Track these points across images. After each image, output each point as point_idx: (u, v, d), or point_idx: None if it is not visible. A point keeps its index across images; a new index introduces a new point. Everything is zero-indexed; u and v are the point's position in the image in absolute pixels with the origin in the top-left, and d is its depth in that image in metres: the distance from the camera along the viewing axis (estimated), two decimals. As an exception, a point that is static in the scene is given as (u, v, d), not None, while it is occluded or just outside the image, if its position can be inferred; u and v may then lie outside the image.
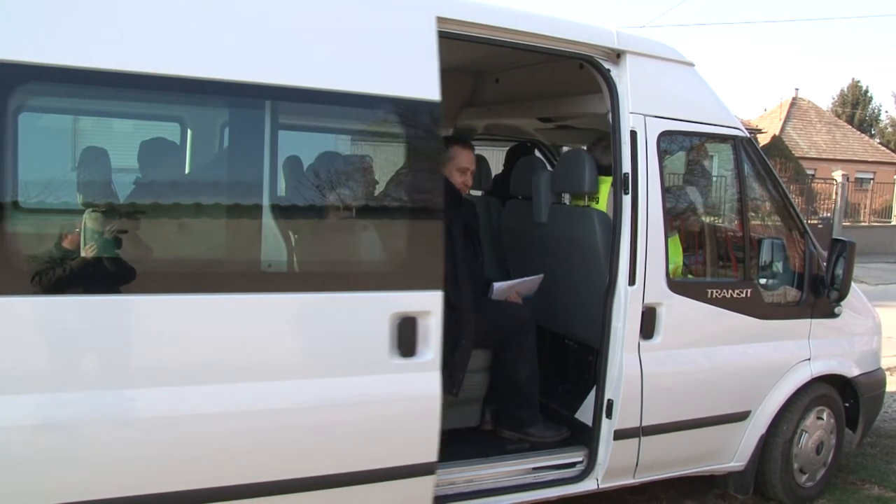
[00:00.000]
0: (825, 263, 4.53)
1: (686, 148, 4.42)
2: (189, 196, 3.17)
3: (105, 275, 2.80)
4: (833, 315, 4.62)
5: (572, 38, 3.71)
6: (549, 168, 5.08)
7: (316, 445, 3.11)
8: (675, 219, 4.29)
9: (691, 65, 4.17)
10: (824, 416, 4.72)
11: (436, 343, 3.25)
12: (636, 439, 3.94)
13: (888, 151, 40.12)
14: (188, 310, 2.89)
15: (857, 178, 30.52)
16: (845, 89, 50.81)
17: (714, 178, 4.71)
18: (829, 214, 23.00)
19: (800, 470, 4.64)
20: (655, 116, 3.89)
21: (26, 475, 2.71)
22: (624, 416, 3.87)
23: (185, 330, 2.88)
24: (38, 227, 2.93)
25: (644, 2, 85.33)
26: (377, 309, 3.15)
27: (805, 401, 4.53)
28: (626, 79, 3.81)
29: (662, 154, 3.91)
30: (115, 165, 3.22)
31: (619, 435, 3.88)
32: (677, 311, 3.96)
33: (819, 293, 4.52)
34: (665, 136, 3.94)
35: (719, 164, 4.71)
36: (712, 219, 4.81)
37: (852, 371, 4.76)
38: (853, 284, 4.63)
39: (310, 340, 3.09)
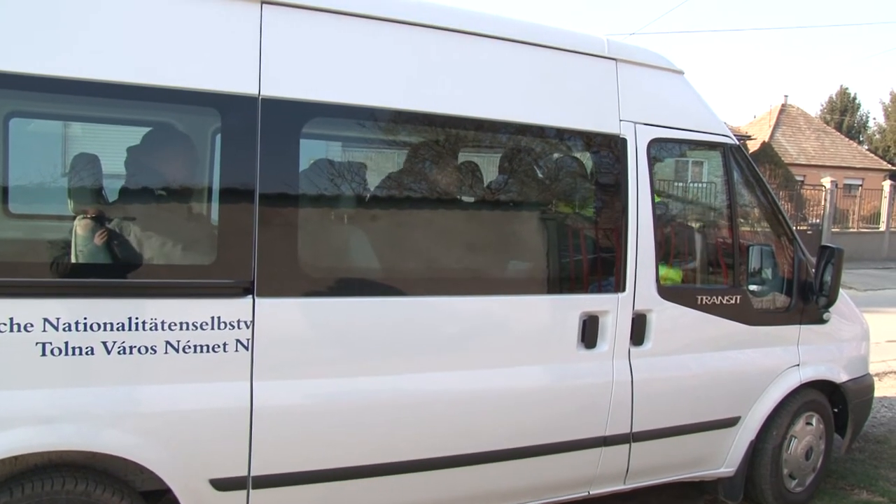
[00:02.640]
0: (814, 270, 4.56)
1: (676, 155, 4.44)
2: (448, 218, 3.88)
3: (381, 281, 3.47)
4: (822, 321, 4.65)
5: (563, 47, 3.74)
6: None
7: (538, 420, 3.70)
8: (665, 225, 4.32)
9: (681, 73, 4.21)
10: (813, 421, 4.74)
11: (611, 337, 3.70)
12: (626, 445, 3.96)
13: (876, 158, 40.39)
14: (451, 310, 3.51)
15: (845, 185, 30.63)
16: (834, 96, 51.29)
17: (704, 185, 4.74)
18: (818, 220, 23.14)
19: (789, 475, 4.66)
20: (646, 124, 3.92)
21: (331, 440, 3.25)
22: (614, 423, 3.89)
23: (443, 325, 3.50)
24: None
25: (634, 10, 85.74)
26: (572, 308, 3.71)
27: (794, 406, 4.55)
28: (616, 87, 3.84)
29: (652, 161, 3.94)
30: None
31: (610, 441, 3.90)
32: (667, 317, 3.99)
33: (808, 299, 4.55)
34: (655, 144, 3.97)
35: (709, 171, 4.75)
36: (702, 225, 4.83)
37: (841, 377, 4.79)
38: (841, 290, 4.66)
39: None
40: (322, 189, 3.47)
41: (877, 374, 6.83)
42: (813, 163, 35.56)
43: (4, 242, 3.25)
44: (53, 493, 2.82)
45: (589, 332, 3.74)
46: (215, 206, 3.15)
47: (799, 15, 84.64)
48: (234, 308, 3.00)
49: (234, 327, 2.99)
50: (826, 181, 24.47)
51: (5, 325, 2.68)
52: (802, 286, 4.53)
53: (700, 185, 17.52)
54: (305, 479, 3.21)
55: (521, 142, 3.95)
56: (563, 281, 3.90)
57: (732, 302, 4.21)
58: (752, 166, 4.52)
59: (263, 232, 3.02)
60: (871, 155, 40.92)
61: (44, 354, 2.74)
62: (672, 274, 4.26)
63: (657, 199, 4.03)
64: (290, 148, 3.11)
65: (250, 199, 3.01)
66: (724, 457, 4.41)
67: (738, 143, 4.42)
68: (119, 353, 2.83)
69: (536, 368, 3.69)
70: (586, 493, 4.02)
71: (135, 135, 3.40)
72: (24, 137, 3.86)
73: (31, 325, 2.72)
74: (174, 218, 3.26)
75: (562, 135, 3.88)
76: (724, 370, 4.25)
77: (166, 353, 2.90)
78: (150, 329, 2.87)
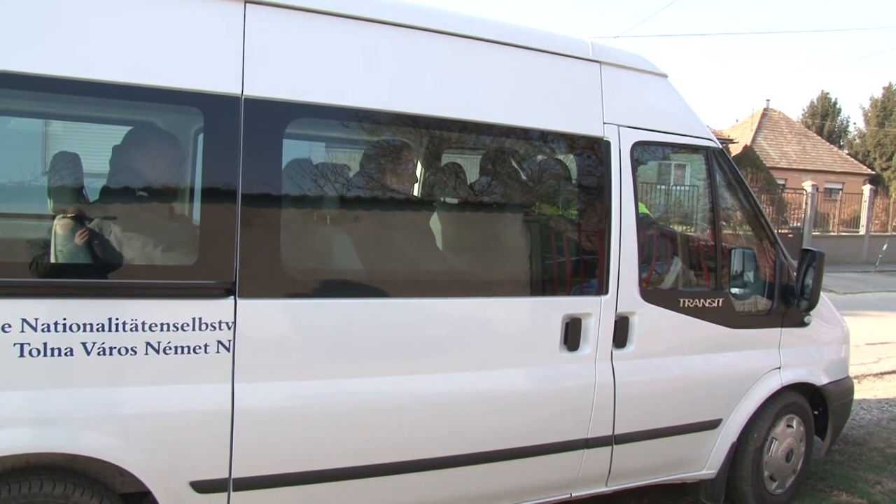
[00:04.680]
0: (795, 273, 4.59)
1: (659, 158, 4.46)
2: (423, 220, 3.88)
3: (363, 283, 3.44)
4: (803, 324, 4.69)
5: (548, 49, 3.74)
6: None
7: (525, 424, 3.72)
8: (648, 228, 4.33)
9: (664, 76, 4.23)
10: (794, 423, 4.77)
11: (593, 340, 3.70)
12: (608, 447, 3.97)
13: (856, 162, 40.82)
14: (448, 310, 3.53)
15: (826, 189, 30.96)
16: (815, 101, 51.69)
17: (686, 188, 4.77)
18: (799, 224, 23.34)
19: (770, 477, 4.69)
20: (629, 127, 3.93)
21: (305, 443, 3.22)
22: (596, 425, 3.89)
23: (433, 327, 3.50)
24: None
25: (618, 13, 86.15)
26: (554, 310, 3.71)
27: (775, 409, 4.58)
28: (600, 89, 3.85)
29: (636, 164, 3.95)
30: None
31: (592, 443, 3.90)
32: (650, 320, 3.99)
33: (789, 303, 4.58)
34: (638, 147, 3.98)
35: (692, 174, 4.78)
36: (684, 228, 4.85)
37: (821, 379, 4.82)
38: (822, 294, 4.69)
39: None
40: (305, 190, 3.45)
41: (856, 377, 6.89)
42: (794, 167, 35.91)
43: None
44: (31, 495, 2.78)
45: (571, 334, 3.75)
46: (197, 206, 3.12)
47: (782, 20, 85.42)
48: (216, 309, 2.98)
49: (215, 328, 2.97)
50: (807, 185, 24.71)
51: None
52: (784, 289, 4.56)
53: (683, 188, 17.66)
54: (287, 481, 3.19)
55: (504, 144, 3.95)
56: (545, 283, 3.91)
57: (715, 305, 4.23)
58: (734, 169, 4.54)
59: (246, 233, 3.00)
60: (852, 159, 41.35)
61: (22, 355, 2.70)
62: (654, 278, 4.27)
63: (641, 208, 4.04)
64: (273, 148, 3.09)
65: (233, 200, 2.99)
66: (706, 459, 4.43)
67: (720, 146, 4.44)
68: (99, 354, 2.80)
69: (519, 371, 3.69)
70: (568, 496, 4.02)
71: (117, 134, 3.37)
72: (3, 135, 3.81)
73: (9, 326, 2.68)
74: (156, 218, 3.23)
75: (545, 137, 3.88)
76: (707, 373, 4.26)
77: (147, 354, 2.87)
78: (131, 330, 2.84)
